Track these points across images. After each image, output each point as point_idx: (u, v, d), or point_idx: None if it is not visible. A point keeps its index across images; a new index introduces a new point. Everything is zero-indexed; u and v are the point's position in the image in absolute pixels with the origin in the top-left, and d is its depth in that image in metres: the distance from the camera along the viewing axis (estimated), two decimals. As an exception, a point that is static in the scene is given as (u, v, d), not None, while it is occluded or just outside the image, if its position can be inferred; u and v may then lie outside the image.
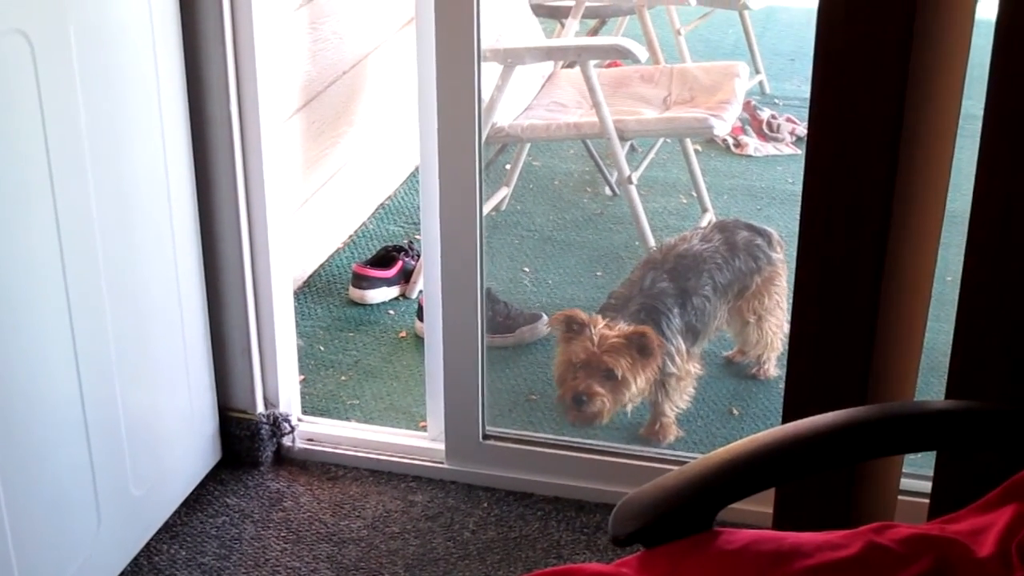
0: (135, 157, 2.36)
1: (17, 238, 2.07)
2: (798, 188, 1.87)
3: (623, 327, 2.83)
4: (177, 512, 2.64)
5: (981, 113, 1.75)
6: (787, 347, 1.97)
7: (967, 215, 1.80)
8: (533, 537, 2.60)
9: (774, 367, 3.11)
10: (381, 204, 4.00)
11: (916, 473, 2.37)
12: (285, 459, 2.83)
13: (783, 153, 4.37)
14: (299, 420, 2.88)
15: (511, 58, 3.36)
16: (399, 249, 3.56)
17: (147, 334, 2.47)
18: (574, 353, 2.83)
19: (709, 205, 3.75)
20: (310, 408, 2.99)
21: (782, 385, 2.02)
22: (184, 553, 2.55)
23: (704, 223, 3.67)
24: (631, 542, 1.42)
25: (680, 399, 2.92)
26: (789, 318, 3.02)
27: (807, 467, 1.56)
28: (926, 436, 1.57)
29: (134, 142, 2.35)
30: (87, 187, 2.21)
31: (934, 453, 1.94)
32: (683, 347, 2.89)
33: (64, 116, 2.13)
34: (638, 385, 2.80)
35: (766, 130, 4.46)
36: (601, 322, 2.84)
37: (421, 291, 3.33)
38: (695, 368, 2.94)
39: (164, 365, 2.55)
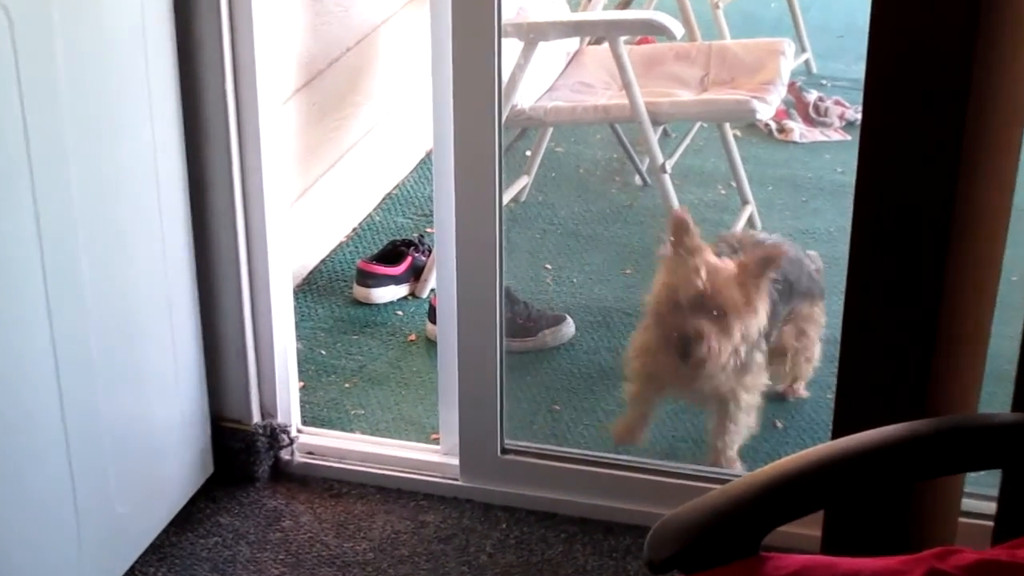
0: (121, 142, 2.37)
1: (-7, 231, 2.08)
2: (848, 179, 1.88)
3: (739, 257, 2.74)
4: (165, 532, 2.65)
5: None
6: (836, 356, 1.97)
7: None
8: (556, 562, 2.60)
9: (803, 388, 3.10)
10: (389, 194, 4.00)
11: (979, 493, 2.37)
12: (283, 474, 2.84)
13: (831, 139, 4.37)
14: (298, 431, 2.89)
15: (533, 33, 3.37)
16: (409, 243, 3.56)
17: (133, 337, 2.48)
18: (681, 285, 2.72)
19: (750, 196, 3.75)
20: (311, 418, 3.00)
21: (831, 396, 2.02)
22: (173, 577, 2.56)
23: (745, 216, 3.67)
24: (668, 568, 1.42)
25: (746, 422, 2.84)
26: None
27: (860, 487, 1.57)
28: (991, 452, 1.57)
29: (120, 125, 2.36)
30: (68, 175, 2.22)
31: (999, 471, 1.94)
32: (764, 346, 2.81)
33: (44, 97, 2.14)
34: (759, 322, 2.71)
35: (813, 114, 4.46)
36: (708, 249, 2.74)
37: (433, 290, 3.34)
38: (764, 380, 2.87)
39: (152, 371, 2.56)
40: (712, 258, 2.74)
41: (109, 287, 2.37)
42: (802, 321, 3.01)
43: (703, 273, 2.70)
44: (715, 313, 2.71)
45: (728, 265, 2.74)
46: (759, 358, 2.81)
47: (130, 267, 2.44)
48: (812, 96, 4.51)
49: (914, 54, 1.78)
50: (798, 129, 4.39)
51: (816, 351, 3.05)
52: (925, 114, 1.80)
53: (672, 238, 2.75)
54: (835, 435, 1.96)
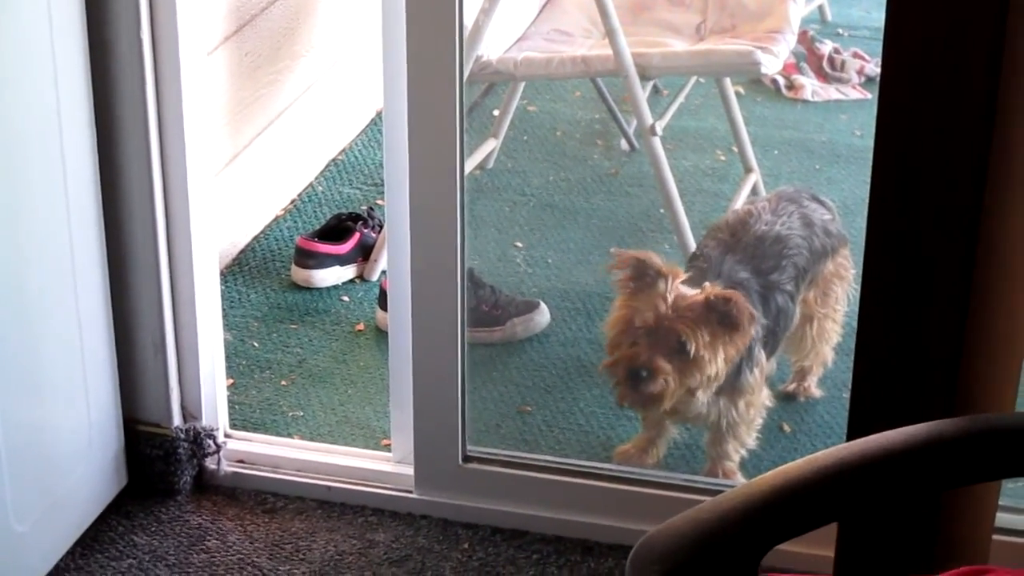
0: (17, 100, 2.36)
1: None
2: (868, 143, 1.88)
3: (708, 287, 2.78)
4: (71, 553, 2.65)
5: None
6: (849, 352, 1.97)
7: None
8: (527, 587, 2.61)
9: (816, 385, 3.12)
10: (333, 160, 4.00)
11: (1016, 506, 2.38)
12: (209, 486, 2.84)
13: (849, 97, 4.38)
14: (227, 436, 2.89)
15: (501, -28, 3.37)
16: (356, 218, 3.56)
17: (32, 327, 2.47)
18: (639, 312, 2.77)
19: (754, 163, 3.76)
20: (241, 421, 3.00)
21: (848, 395, 2.03)
22: (80, 606, 2.57)
23: (748, 186, 3.68)
24: (653, 592, 1.43)
25: (748, 433, 2.89)
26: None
27: (878, 496, 1.57)
28: (1030, 457, 1.58)
29: (16, 81, 2.35)
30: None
31: (1040, 480, 1.96)
32: (763, 359, 2.87)
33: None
34: (716, 367, 2.76)
35: (827, 68, 4.47)
36: (682, 276, 2.79)
37: (384, 272, 3.34)
38: (766, 394, 2.91)
39: (54, 368, 2.56)
40: (682, 286, 2.77)
41: (2, 270, 2.36)
42: (824, 282, 3.04)
43: (668, 300, 2.74)
44: (677, 345, 2.74)
45: (697, 292, 2.77)
46: (752, 378, 2.85)
47: (28, 247, 2.43)
48: (827, 47, 4.52)
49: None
50: (810, 85, 4.40)
51: (836, 320, 3.08)
52: (954, 68, 1.81)
53: (628, 278, 2.81)
54: (850, 437, 1.97)
